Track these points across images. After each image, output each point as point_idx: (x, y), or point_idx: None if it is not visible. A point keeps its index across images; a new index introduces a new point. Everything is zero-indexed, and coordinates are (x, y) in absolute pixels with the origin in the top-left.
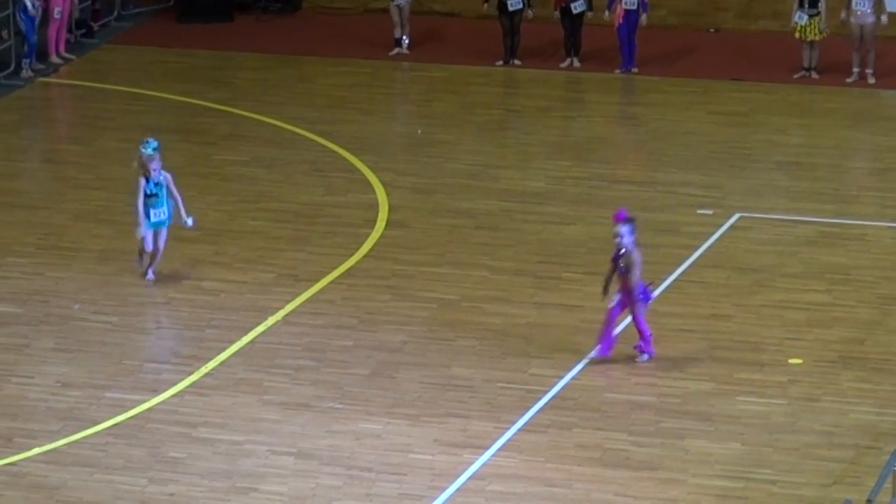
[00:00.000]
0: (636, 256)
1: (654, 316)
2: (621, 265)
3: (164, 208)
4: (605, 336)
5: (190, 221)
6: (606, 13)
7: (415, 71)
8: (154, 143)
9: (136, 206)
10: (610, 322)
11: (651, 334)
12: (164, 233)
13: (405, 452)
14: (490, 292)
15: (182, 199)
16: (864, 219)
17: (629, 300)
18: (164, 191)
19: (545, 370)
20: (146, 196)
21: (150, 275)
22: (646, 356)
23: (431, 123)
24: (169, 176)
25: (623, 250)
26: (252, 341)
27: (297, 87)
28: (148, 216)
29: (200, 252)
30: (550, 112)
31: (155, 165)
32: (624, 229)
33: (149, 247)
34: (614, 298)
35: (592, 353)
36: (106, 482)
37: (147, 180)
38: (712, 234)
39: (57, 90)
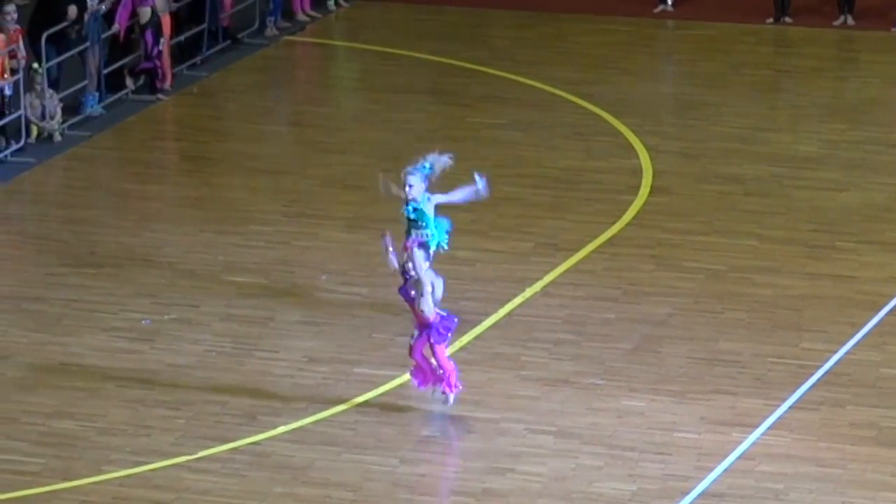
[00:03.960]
0: (426, 283)
1: None
2: (411, 293)
3: (429, 230)
4: (424, 370)
5: (482, 185)
6: None
7: (680, 29)
8: (419, 166)
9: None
10: (418, 354)
11: (451, 369)
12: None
13: (670, 431)
14: (759, 262)
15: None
16: None
17: (426, 332)
18: (426, 215)
19: (817, 344)
20: (406, 220)
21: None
22: (448, 396)
23: (698, 84)
24: (434, 196)
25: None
26: (509, 314)
27: (555, 46)
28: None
29: (455, 219)
30: (823, 72)
31: (411, 182)
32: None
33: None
34: (413, 334)
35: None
36: (355, 462)
37: (406, 202)
38: None
39: (302, 49)
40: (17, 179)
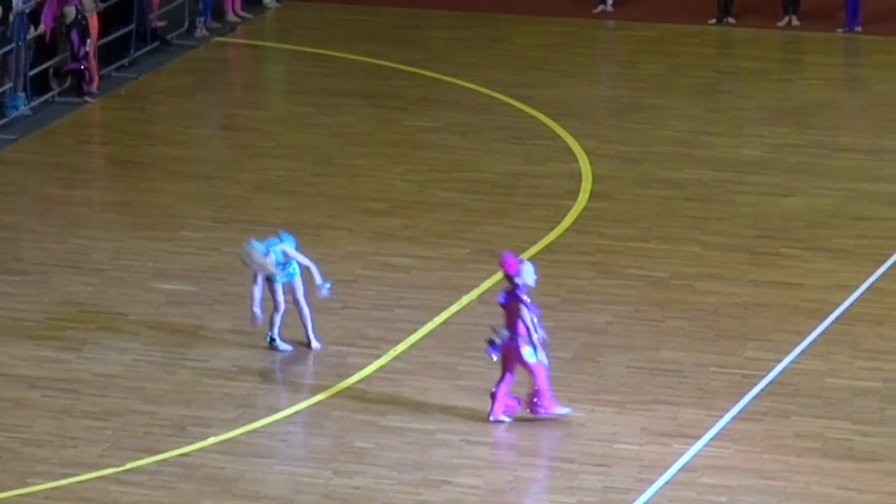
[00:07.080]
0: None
1: (879, 294)
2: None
3: (289, 270)
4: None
5: (325, 291)
6: None
7: (620, 30)
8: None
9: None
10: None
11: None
12: (297, 287)
13: (610, 442)
14: (702, 269)
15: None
16: None
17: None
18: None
19: (761, 353)
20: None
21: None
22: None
23: (638, 86)
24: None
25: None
26: (445, 322)
27: (493, 47)
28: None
29: (389, 225)
30: (767, 74)
31: (259, 262)
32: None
33: (278, 306)
34: None
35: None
36: (286, 474)
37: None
38: None
39: (234, 51)
40: None
